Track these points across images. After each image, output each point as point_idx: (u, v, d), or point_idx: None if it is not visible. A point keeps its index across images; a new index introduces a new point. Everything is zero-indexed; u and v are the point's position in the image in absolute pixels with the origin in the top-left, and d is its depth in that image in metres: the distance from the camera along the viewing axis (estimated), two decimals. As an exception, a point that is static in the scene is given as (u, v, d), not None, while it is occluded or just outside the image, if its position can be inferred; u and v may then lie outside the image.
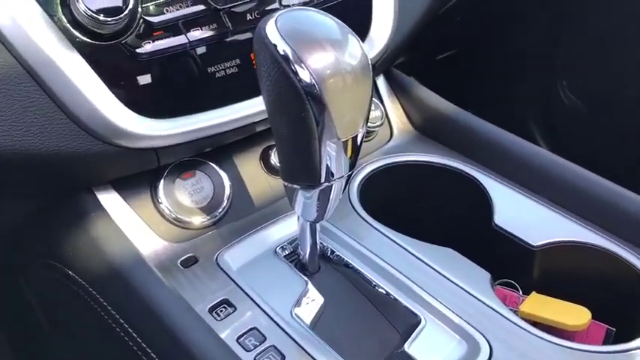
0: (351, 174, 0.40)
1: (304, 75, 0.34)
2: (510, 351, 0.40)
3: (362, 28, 0.54)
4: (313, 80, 0.34)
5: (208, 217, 0.49)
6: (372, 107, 0.60)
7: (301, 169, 0.38)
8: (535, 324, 0.47)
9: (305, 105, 0.34)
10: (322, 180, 0.39)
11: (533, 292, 0.49)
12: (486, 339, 0.41)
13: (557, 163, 0.53)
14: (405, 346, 0.41)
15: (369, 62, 0.37)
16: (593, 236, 0.48)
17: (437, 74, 1.35)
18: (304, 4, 0.50)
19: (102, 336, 0.44)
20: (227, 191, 0.51)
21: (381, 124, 0.59)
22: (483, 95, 1.24)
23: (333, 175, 0.39)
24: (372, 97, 0.38)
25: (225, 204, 0.50)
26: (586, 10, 0.98)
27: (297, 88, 0.34)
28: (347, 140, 0.37)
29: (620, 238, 0.48)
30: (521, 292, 0.50)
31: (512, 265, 0.50)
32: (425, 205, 0.55)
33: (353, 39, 0.36)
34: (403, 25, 0.58)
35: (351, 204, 0.51)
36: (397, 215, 0.52)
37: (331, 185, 0.40)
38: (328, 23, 0.36)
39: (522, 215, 0.51)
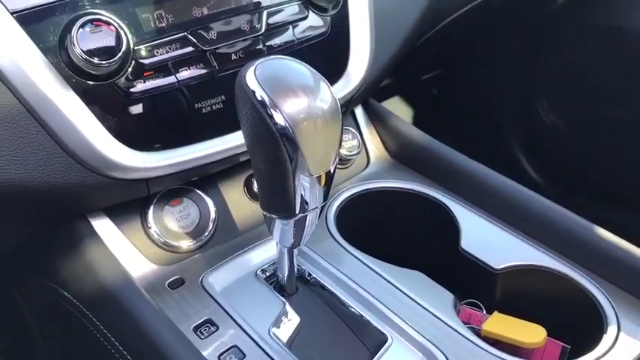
0: (325, 204, 0.44)
1: (279, 119, 0.38)
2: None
3: (340, 65, 0.58)
4: (287, 124, 0.38)
5: (195, 241, 0.53)
6: (350, 137, 0.64)
7: (278, 201, 0.42)
8: (497, 342, 0.51)
9: (280, 146, 0.38)
10: (297, 211, 0.43)
11: (496, 311, 0.52)
12: (446, 357, 0.45)
13: (520, 191, 0.57)
14: (372, 363, 0.44)
15: (339, 106, 0.40)
16: (550, 260, 0.52)
17: (419, 96, 1.40)
18: (286, 43, 0.54)
19: (94, 353, 0.47)
20: (212, 216, 0.54)
21: (358, 153, 0.62)
22: (464, 117, 1.29)
23: (307, 206, 0.43)
24: (341, 137, 0.42)
25: (210, 228, 0.54)
26: (559, 38, 1.03)
27: (272, 131, 0.38)
28: (320, 175, 0.41)
29: (575, 263, 0.52)
30: (484, 312, 0.53)
31: (477, 286, 0.53)
32: (397, 229, 0.59)
33: (324, 85, 0.40)
34: (379, 60, 0.62)
35: (328, 229, 0.55)
36: (371, 239, 0.56)
37: (306, 215, 0.44)
38: (302, 71, 0.40)
39: (486, 240, 0.55)
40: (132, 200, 0.51)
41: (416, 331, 0.45)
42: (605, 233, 0.51)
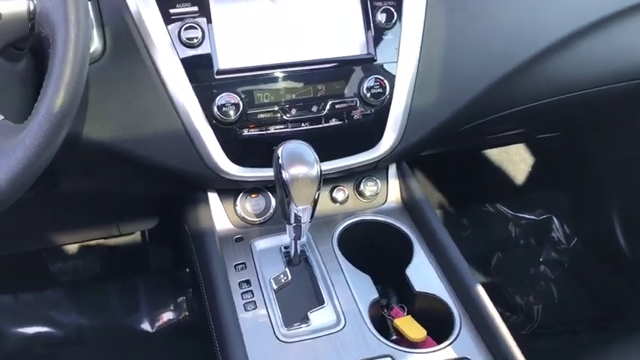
0: (310, 221, 0.79)
1: (285, 176, 0.74)
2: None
3: (372, 142, 0.89)
4: (287, 179, 0.74)
5: (258, 219, 0.91)
6: (372, 184, 0.97)
7: (285, 216, 0.79)
8: (400, 334, 0.82)
9: (282, 190, 0.75)
10: (292, 222, 0.79)
11: (410, 316, 0.84)
12: (346, 321, 0.77)
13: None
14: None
15: (319, 175, 0.75)
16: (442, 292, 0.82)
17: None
18: (338, 123, 0.88)
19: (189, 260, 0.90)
20: (272, 209, 0.93)
21: (376, 195, 0.96)
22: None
23: (298, 221, 0.79)
24: (318, 191, 0.76)
25: (269, 214, 0.92)
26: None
27: (281, 180, 0.75)
28: (302, 208, 0.77)
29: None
30: (405, 313, 0.85)
31: (403, 295, 0.85)
32: (373, 246, 0.92)
33: (315, 163, 0.74)
34: (405, 143, 0.93)
35: (332, 238, 0.88)
36: (355, 250, 0.89)
37: (299, 225, 0.80)
38: (307, 153, 0.75)
39: (421, 269, 0.86)
40: (231, 189, 0.92)
41: (340, 304, 0.80)
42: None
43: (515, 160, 1.70)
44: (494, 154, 1.70)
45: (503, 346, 0.73)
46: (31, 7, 0.62)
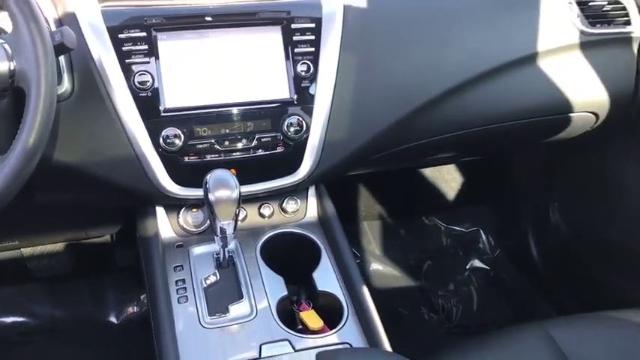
0: (233, 232, 1.00)
1: (211, 197, 0.94)
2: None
3: (291, 169, 1.07)
4: (213, 200, 0.94)
5: (197, 230, 1.11)
6: (294, 202, 1.17)
7: (212, 229, 0.99)
8: (304, 324, 1.03)
9: (209, 208, 0.95)
10: (219, 234, 0.99)
11: (313, 309, 1.04)
12: (256, 308, 0.97)
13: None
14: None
15: (238, 197, 0.95)
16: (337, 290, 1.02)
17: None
18: (264, 152, 1.09)
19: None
20: (208, 221, 1.13)
21: (296, 212, 1.16)
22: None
23: (224, 232, 0.99)
24: (237, 209, 0.96)
25: (205, 225, 1.12)
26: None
27: (208, 202, 0.95)
28: (226, 222, 0.97)
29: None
30: (310, 307, 1.05)
31: (309, 292, 1.06)
32: (289, 253, 1.12)
33: (235, 188, 0.94)
34: (321, 169, 1.13)
35: (255, 247, 1.10)
36: (275, 256, 1.10)
37: (224, 236, 1.00)
38: (229, 179, 0.95)
39: (325, 272, 1.07)
40: (175, 205, 1.12)
41: (254, 299, 1.00)
42: None
43: (447, 179, 1.92)
44: (429, 172, 1.92)
45: (375, 334, 0.94)
46: (12, 67, 0.82)
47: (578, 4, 1.27)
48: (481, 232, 1.91)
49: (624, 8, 1.28)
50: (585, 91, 1.29)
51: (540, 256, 1.75)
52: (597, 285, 1.56)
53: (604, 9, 1.27)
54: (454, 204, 1.94)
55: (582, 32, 1.25)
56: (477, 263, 1.86)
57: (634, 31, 1.28)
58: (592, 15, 1.27)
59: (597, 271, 1.57)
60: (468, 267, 1.86)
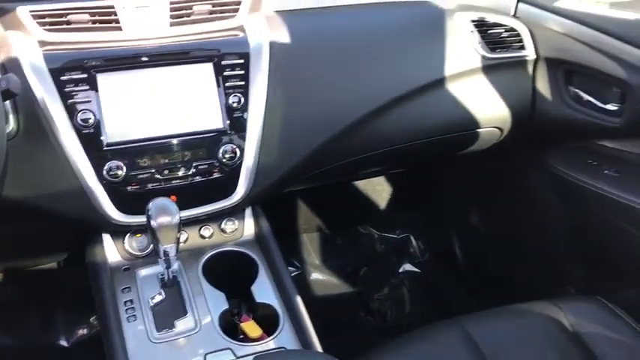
0: (176, 254, 1.09)
1: (153, 224, 1.04)
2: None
3: (227, 193, 1.20)
4: (155, 226, 1.04)
5: (142, 254, 1.19)
6: (232, 223, 1.28)
7: (156, 252, 1.09)
8: (244, 334, 1.13)
9: (151, 233, 1.05)
10: (162, 257, 1.09)
11: (253, 320, 1.15)
12: (200, 321, 1.08)
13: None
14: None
15: (178, 223, 1.05)
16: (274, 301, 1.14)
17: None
18: (200, 179, 1.19)
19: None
20: (151, 247, 1.22)
21: (234, 231, 1.27)
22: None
23: (167, 255, 1.09)
24: (178, 234, 1.06)
25: (150, 249, 1.21)
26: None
27: (151, 228, 1.04)
28: (168, 246, 1.07)
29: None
30: (251, 318, 1.16)
31: (248, 305, 1.17)
32: (233, 274, 1.22)
33: (175, 214, 1.04)
34: (255, 191, 1.24)
35: (197, 266, 1.20)
36: (219, 276, 1.20)
37: (168, 259, 1.09)
38: (171, 206, 1.05)
39: (262, 285, 1.18)
40: (120, 231, 1.21)
41: (198, 314, 1.10)
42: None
43: (379, 190, 2.06)
44: (362, 184, 2.06)
45: (308, 337, 1.05)
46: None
47: (479, 31, 1.42)
48: (411, 237, 2.06)
49: (519, 34, 1.45)
50: (490, 109, 1.45)
51: (464, 257, 1.91)
52: (511, 280, 1.73)
53: (502, 36, 1.43)
54: (386, 212, 2.08)
55: (484, 57, 1.41)
56: (409, 267, 2.01)
57: (528, 55, 1.45)
58: (491, 41, 1.43)
59: (510, 268, 1.74)
60: (400, 271, 2.00)
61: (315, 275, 1.90)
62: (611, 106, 1.34)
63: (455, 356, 1.14)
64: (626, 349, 1.17)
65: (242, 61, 1.20)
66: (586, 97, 1.39)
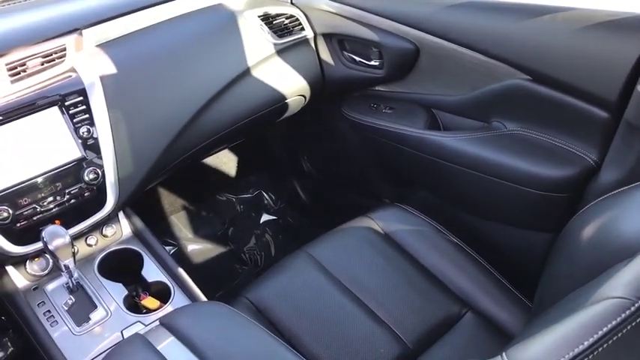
0: (74, 265, 1.38)
1: (50, 246, 1.31)
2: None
3: (98, 208, 1.50)
4: (52, 248, 1.31)
5: (44, 272, 1.45)
6: (110, 228, 1.57)
7: (58, 268, 1.36)
8: (146, 308, 1.46)
9: (51, 255, 1.32)
10: (64, 270, 1.37)
11: (150, 296, 1.47)
12: (108, 311, 1.40)
13: None
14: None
15: (70, 241, 1.32)
16: (163, 277, 1.48)
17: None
18: (75, 201, 1.47)
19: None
20: (51, 263, 1.48)
21: (115, 234, 1.57)
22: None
23: (68, 267, 1.36)
24: (72, 249, 1.35)
25: (49, 269, 1.48)
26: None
27: (49, 250, 1.31)
28: (67, 260, 1.35)
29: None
30: (148, 296, 1.48)
31: (147, 286, 1.49)
32: (124, 267, 1.53)
33: (66, 235, 1.31)
34: (124, 195, 1.54)
35: (94, 265, 1.49)
36: (113, 271, 1.50)
37: (69, 270, 1.37)
38: (59, 231, 1.33)
39: (149, 269, 1.50)
40: (20, 259, 1.45)
41: (105, 304, 1.41)
42: None
43: (225, 161, 2.40)
44: (211, 160, 2.39)
45: (195, 295, 1.41)
46: None
47: (266, 24, 1.77)
48: (263, 192, 2.45)
49: (298, 19, 1.83)
50: (291, 83, 1.82)
51: (306, 196, 2.35)
52: (345, 206, 2.19)
53: (284, 23, 1.80)
54: (237, 178, 2.44)
55: (275, 44, 1.76)
56: (267, 217, 2.40)
57: (308, 34, 1.83)
58: (278, 29, 1.78)
59: (342, 196, 2.20)
60: (261, 222, 2.38)
61: (191, 246, 2.22)
62: (374, 62, 1.77)
63: (307, 275, 1.53)
64: (423, 239, 1.63)
65: (81, 97, 1.44)
66: (357, 58, 1.82)
